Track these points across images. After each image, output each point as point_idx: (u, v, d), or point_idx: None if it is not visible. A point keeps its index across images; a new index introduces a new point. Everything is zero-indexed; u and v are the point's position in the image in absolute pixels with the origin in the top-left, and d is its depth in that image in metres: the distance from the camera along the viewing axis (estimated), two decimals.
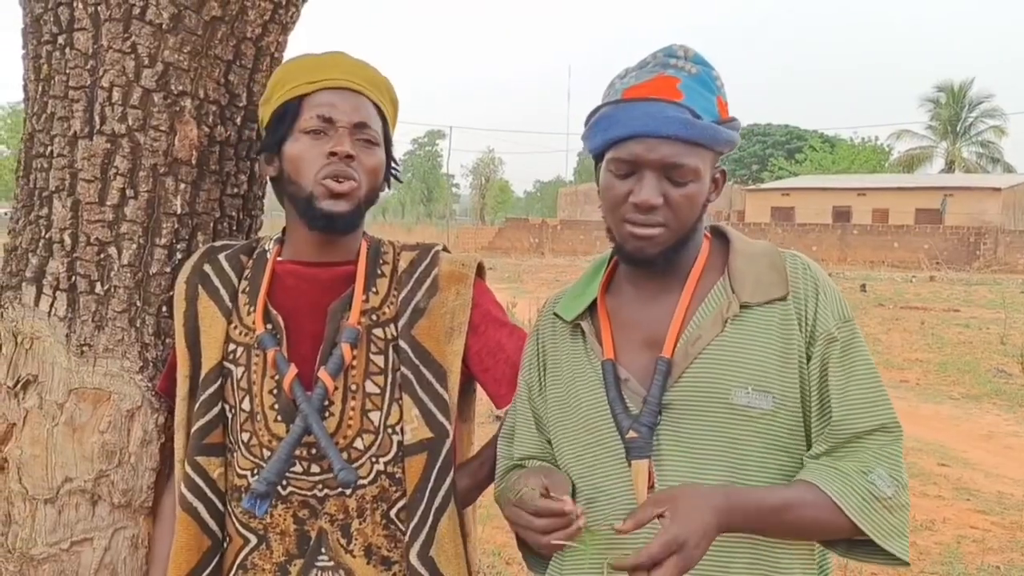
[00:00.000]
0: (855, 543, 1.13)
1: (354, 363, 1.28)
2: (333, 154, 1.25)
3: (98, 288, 1.39)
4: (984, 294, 16.49)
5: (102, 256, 1.39)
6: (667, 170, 1.12)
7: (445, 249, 1.43)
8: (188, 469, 1.30)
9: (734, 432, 1.12)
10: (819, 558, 1.19)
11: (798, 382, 1.14)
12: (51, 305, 1.40)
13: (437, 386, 1.29)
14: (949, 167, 44.11)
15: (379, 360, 1.30)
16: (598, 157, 1.19)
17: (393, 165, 1.41)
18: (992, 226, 28.55)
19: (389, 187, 1.41)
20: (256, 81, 1.50)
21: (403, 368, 1.29)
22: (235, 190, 1.51)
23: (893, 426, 1.13)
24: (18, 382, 1.40)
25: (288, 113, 1.29)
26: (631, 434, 1.13)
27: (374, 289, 1.33)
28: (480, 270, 1.41)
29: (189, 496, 1.29)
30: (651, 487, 1.12)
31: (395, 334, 1.31)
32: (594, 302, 1.25)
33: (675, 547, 0.97)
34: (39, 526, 1.37)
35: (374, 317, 1.31)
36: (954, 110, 44.52)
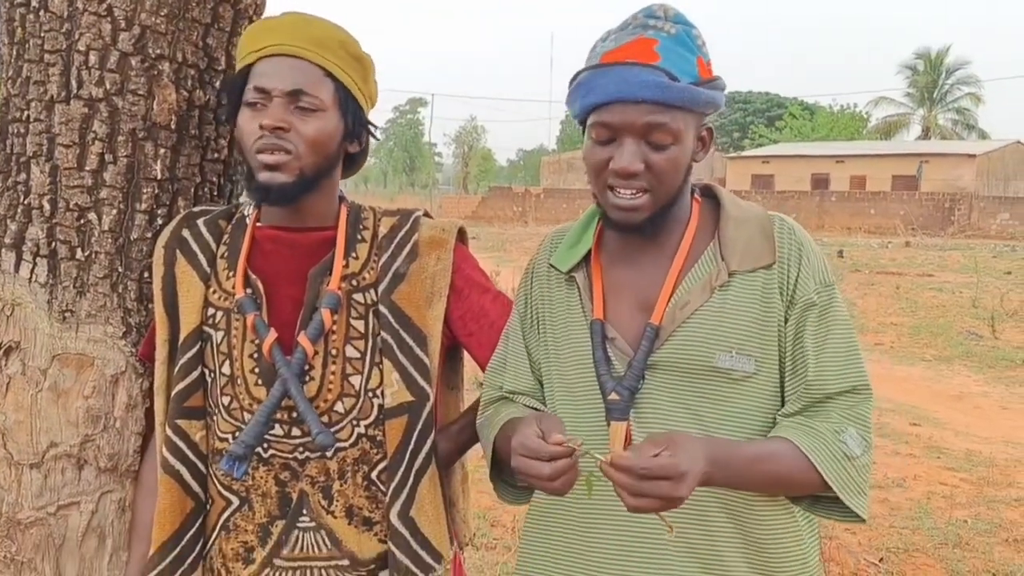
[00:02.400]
0: (818, 499, 1.16)
1: (334, 328, 1.29)
2: (264, 126, 1.24)
3: (79, 254, 1.39)
4: (957, 259, 16.71)
5: (82, 222, 1.39)
6: (646, 134, 1.12)
7: (427, 214, 1.42)
8: (169, 432, 1.31)
9: (717, 394, 1.15)
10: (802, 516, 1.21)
11: (776, 346, 1.16)
12: (32, 271, 1.40)
13: (417, 350, 1.31)
14: (925, 134, 44.40)
15: (359, 325, 1.31)
16: (582, 122, 1.19)
17: (371, 125, 1.38)
18: (967, 192, 28.88)
19: (361, 146, 1.37)
20: (235, 44, 1.48)
21: (383, 333, 1.30)
22: (215, 155, 1.50)
23: (863, 388, 1.15)
24: (0, 348, 1.40)
25: (236, 85, 1.29)
26: (612, 396, 1.15)
27: (354, 254, 1.34)
28: (462, 235, 1.41)
29: (171, 459, 1.31)
30: (628, 446, 1.13)
31: (375, 299, 1.32)
32: (588, 253, 1.26)
33: (673, 474, 0.96)
34: (25, 491, 1.38)
35: (354, 282, 1.32)
36: (931, 77, 44.66)
